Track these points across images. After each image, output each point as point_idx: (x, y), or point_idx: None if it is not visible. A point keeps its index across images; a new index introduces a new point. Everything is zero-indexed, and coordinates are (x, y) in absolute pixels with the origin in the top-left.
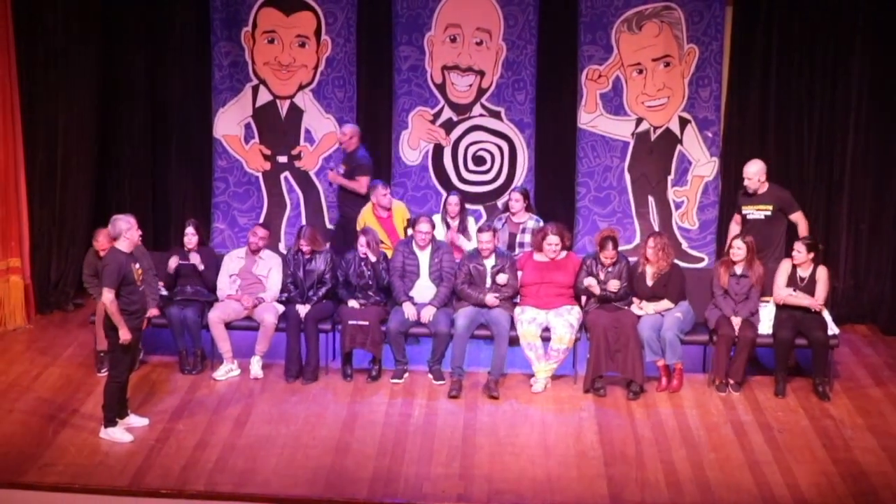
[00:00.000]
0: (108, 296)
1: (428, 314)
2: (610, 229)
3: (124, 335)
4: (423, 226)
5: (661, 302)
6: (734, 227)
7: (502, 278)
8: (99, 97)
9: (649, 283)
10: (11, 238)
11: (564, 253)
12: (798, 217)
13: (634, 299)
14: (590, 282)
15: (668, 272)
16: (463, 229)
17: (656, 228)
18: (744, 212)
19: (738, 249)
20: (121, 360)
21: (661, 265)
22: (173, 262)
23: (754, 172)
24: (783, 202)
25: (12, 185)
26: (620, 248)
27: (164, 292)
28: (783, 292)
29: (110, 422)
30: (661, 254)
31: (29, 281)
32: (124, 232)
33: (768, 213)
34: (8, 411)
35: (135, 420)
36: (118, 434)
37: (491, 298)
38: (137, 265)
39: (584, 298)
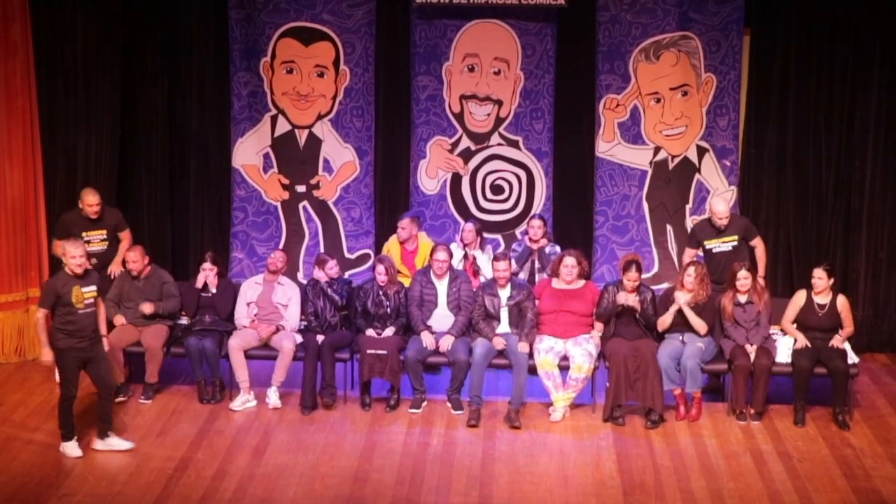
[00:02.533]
0: (37, 313)
1: (446, 343)
2: (633, 254)
3: (44, 355)
4: (441, 254)
5: (698, 322)
6: (688, 260)
7: (524, 347)
8: (119, 126)
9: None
10: (31, 268)
11: (582, 282)
12: (758, 241)
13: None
14: (624, 297)
15: (704, 303)
16: (479, 265)
17: (674, 257)
18: (709, 246)
19: (745, 280)
20: (63, 376)
21: (700, 295)
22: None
23: (724, 211)
24: (747, 230)
25: (32, 215)
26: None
27: (186, 321)
28: (791, 330)
29: (66, 437)
30: (700, 283)
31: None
32: (62, 258)
33: (735, 243)
34: (27, 441)
35: (117, 443)
36: (71, 449)
37: (498, 341)
38: (89, 288)
39: (601, 326)
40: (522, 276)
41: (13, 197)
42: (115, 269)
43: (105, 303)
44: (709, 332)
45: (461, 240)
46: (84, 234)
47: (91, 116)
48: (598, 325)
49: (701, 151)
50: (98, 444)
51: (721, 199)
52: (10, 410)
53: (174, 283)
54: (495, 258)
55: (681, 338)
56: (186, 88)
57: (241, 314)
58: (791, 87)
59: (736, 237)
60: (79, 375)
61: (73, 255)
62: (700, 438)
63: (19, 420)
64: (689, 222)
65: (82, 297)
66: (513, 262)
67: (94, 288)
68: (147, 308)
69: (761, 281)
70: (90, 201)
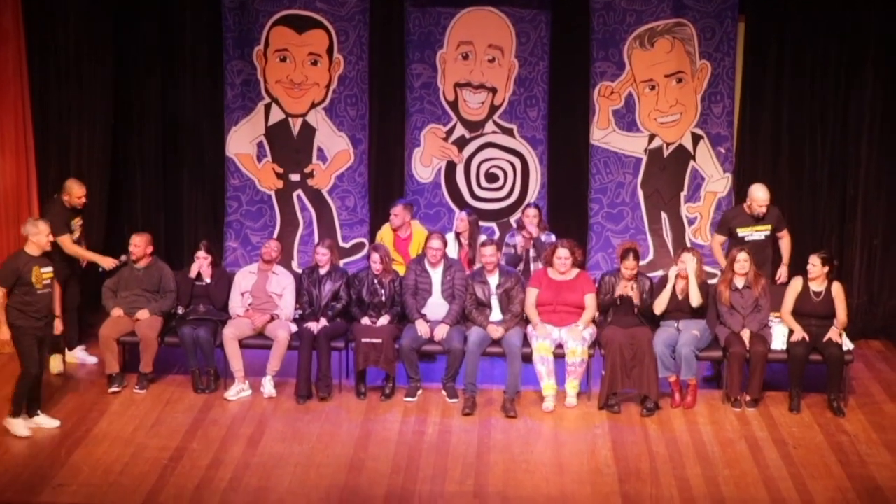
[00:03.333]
0: None
1: (441, 332)
2: (631, 241)
3: (2, 333)
4: (435, 242)
5: (696, 293)
6: (719, 249)
7: (495, 332)
8: (112, 116)
9: (679, 297)
10: None
11: (576, 271)
12: (785, 233)
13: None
14: (623, 288)
15: (699, 286)
16: (474, 253)
17: (670, 245)
18: (741, 234)
19: (744, 262)
20: (24, 355)
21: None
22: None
23: (766, 198)
24: (779, 220)
25: (25, 205)
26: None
27: (181, 311)
28: (790, 321)
29: (14, 414)
30: (697, 269)
31: None
32: (31, 235)
33: (767, 232)
34: None
35: (45, 421)
36: (19, 427)
37: (493, 329)
38: (46, 269)
39: (592, 314)
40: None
41: (6, 187)
42: (106, 262)
43: (103, 291)
44: (701, 309)
45: (455, 229)
46: (71, 223)
47: (84, 106)
48: (588, 315)
49: (696, 139)
50: (28, 423)
51: (762, 186)
52: (2, 401)
53: (173, 278)
54: (482, 244)
55: (676, 325)
56: (180, 77)
57: (236, 303)
58: (786, 75)
59: (770, 226)
60: (38, 352)
61: (47, 232)
62: (695, 426)
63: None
64: (685, 210)
65: (41, 277)
66: (502, 258)
67: (51, 269)
68: (142, 315)
69: (785, 270)
70: (79, 192)
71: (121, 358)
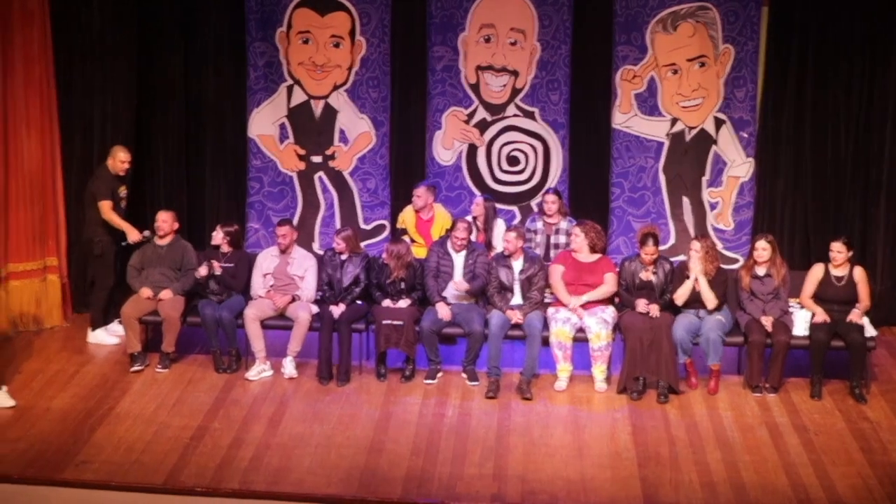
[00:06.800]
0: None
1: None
2: (651, 225)
3: (133, 235)
4: (460, 233)
5: (710, 296)
6: None
7: (513, 316)
8: (135, 96)
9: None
10: (49, 237)
11: (597, 255)
12: None
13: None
14: (645, 275)
15: (713, 278)
16: (489, 237)
17: (691, 230)
18: None
19: (763, 251)
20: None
21: (708, 269)
22: (203, 269)
23: None
24: None
25: (49, 185)
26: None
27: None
28: (810, 305)
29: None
30: (707, 256)
31: (66, 280)
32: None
33: None
34: (45, 409)
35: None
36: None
37: (512, 314)
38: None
39: (608, 289)
40: (539, 251)
41: (31, 166)
42: (132, 234)
43: (127, 270)
44: (719, 307)
45: (471, 213)
46: (118, 191)
47: (108, 85)
48: (605, 289)
49: (718, 123)
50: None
51: None
52: (28, 379)
53: (195, 255)
54: (507, 229)
55: (696, 313)
56: (202, 58)
57: (258, 285)
58: (809, 58)
59: None
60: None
61: (124, 159)
62: (715, 411)
63: (37, 388)
64: (706, 194)
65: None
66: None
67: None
68: (165, 294)
69: None
70: (123, 157)
71: (143, 337)
